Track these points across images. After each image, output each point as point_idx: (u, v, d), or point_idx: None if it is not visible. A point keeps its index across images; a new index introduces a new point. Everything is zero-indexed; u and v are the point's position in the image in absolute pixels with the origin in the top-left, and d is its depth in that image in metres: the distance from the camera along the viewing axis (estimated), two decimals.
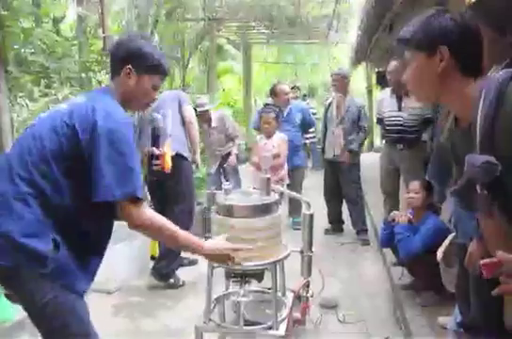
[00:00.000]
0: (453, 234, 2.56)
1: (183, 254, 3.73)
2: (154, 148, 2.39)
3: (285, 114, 5.24)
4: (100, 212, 1.63)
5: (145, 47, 1.81)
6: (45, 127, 1.65)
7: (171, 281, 3.66)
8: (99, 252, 1.74)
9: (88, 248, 1.68)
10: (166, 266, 3.62)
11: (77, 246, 1.61)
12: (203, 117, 5.17)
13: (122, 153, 1.59)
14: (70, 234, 1.59)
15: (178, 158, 3.61)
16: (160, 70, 1.85)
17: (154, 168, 2.28)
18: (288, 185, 4.81)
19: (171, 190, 3.63)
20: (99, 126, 1.58)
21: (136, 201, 1.62)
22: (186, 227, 3.89)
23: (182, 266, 3.86)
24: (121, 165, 1.59)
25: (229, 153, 5.52)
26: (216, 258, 1.98)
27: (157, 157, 2.13)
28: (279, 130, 4.63)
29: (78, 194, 1.60)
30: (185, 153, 3.69)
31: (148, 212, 1.67)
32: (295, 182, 5.09)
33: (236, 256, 1.97)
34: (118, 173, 1.57)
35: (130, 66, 1.78)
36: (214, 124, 5.32)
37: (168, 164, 2.51)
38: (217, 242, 1.99)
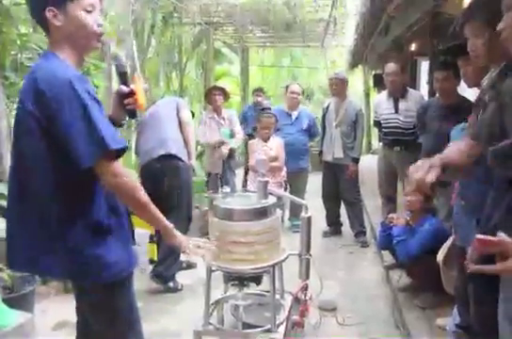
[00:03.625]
0: (453, 237, 2.57)
1: (181, 258, 3.73)
2: (122, 86, 2.10)
3: (293, 118, 5.24)
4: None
5: None
6: (25, 133, 1.58)
7: (171, 284, 3.66)
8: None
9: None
10: (165, 270, 3.61)
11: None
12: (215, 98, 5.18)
13: (81, 109, 1.45)
14: None
15: (177, 161, 3.61)
16: None
17: (127, 107, 2.00)
18: (291, 188, 4.81)
19: (168, 194, 3.62)
20: (46, 95, 1.44)
21: (112, 154, 1.51)
22: (184, 233, 3.87)
23: (180, 269, 3.85)
24: (85, 123, 1.46)
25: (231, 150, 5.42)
26: (176, 239, 1.85)
27: (128, 95, 1.88)
28: (275, 134, 4.66)
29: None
30: (184, 157, 3.68)
31: (124, 169, 1.56)
32: (299, 184, 5.10)
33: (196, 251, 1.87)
34: (86, 134, 1.45)
35: (50, 7, 1.49)
36: (224, 116, 5.30)
37: (142, 100, 2.22)
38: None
